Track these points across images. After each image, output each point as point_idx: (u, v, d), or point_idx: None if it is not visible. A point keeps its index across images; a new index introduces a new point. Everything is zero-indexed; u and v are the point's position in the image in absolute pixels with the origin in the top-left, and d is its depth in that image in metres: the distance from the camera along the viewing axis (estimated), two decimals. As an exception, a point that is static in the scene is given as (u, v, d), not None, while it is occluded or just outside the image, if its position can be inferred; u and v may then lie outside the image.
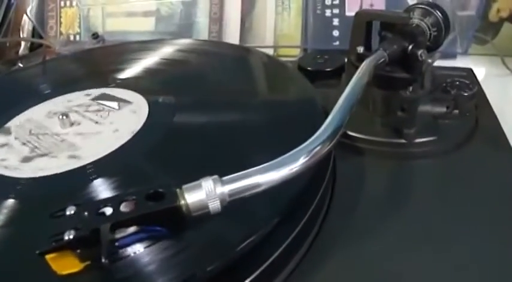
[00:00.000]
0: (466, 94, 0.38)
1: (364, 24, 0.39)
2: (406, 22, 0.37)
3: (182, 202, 0.22)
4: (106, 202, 0.23)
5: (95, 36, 0.62)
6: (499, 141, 0.36)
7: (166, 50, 0.48)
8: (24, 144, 0.36)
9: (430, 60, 0.34)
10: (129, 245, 0.23)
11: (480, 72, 0.47)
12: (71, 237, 0.21)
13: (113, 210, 0.22)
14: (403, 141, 0.35)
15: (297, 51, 0.65)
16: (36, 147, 0.36)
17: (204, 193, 0.22)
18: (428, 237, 0.28)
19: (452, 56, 0.58)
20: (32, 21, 0.75)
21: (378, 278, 0.26)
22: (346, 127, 0.28)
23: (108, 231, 0.21)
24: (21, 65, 0.71)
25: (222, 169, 0.23)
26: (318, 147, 0.25)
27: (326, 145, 0.25)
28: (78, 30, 0.77)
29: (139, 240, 0.23)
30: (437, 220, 0.29)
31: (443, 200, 0.31)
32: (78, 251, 0.22)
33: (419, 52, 0.36)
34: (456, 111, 0.37)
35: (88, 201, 0.23)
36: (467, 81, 0.40)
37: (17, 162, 0.34)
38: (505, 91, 0.52)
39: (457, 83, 0.40)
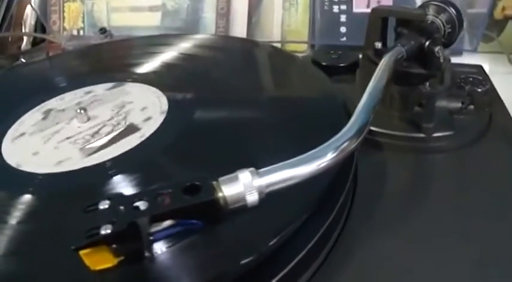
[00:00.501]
0: (480, 90, 0.39)
1: (379, 20, 0.40)
2: (422, 19, 0.38)
3: (220, 195, 0.22)
4: (141, 196, 0.22)
5: (103, 31, 0.61)
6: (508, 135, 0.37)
7: (183, 45, 0.48)
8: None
9: (447, 57, 0.34)
10: (164, 238, 0.23)
11: (486, 69, 0.48)
12: (108, 231, 0.21)
13: (149, 203, 0.22)
14: (421, 135, 0.36)
15: (304, 47, 0.65)
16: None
17: (242, 185, 0.22)
18: (447, 232, 0.29)
19: (459, 52, 0.59)
20: (38, 13, 0.74)
21: (398, 273, 0.26)
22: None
23: (147, 224, 0.21)
24: (23, 60, 0.71)
25: (244, 164, 0.23)
26: (346, 144, 0.25)
27: (353, 142, 0.26)
28: (82, 25, 0.77)
29: (175, 234, 0.23)
30: (456, 215, 0.30)
31: (461, 194, 0.32)
32: (114, 246, 0.22)
33: (436, 49, 0.36)
34: (471, 106, 0.38)
35: (121, 195, 0.23)
36: (480, 78, 0.41)
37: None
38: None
39: (471, 79, 0.40)
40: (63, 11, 0.78)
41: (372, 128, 0.36)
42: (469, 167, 0.34)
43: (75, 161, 0.33)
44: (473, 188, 0.32)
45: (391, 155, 0.35)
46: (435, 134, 0.36)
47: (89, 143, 0.35)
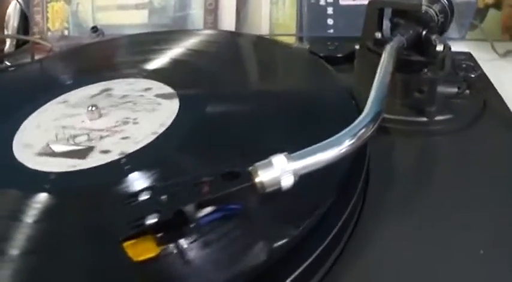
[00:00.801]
0: (473, 76, 0.41)
1: (376, 11, 0.41)
2: (418, 9, 0.40)
3: (257, 180, 0.23)
4: (181, 185, 0.23)
5: (94, 29, 0.62)
6: (507, 118, 0.39)
7: (188, 40, 0.48)
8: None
9: (448, 44, 0.36)
10: (208, 224, 0.24)
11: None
12: (154, 220, 0.22)
13: (191, 191, 0.23)
14: (424, 119, 0.38)
15: (292, 40, 0.67)
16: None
17: (277, 170, 0.24)
18: (453, 213, 0.30)
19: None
20: (27, 14, 0.73)
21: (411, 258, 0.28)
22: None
23: (194, 211, 0.22)
24: (8, 63, 0.70)
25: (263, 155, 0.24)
26: (363, 130, 0.27)
27: (370, 127, 0.27)
28: (67, 25, 0.76)
29: (217, 219, 0.24)
30: (462, 196, 0.32)
31: (464, 175, 0.34)
32: (158, 235, 0.22)
33: (433, 37, 0.38)
34: (467, 91, 0.40)
35: (160, 185, 0.24)
36: (471, 64, 0.43)
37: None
38: (496, 74, 0.55)
39: (464, 65, 0.42)
40: (47, 12, 0.78)
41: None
42: (468, 148, 0.36)
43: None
44: (474, 167, 0.34)
45: (398, 139, 0.36)
46: (437, 118, 0.37)
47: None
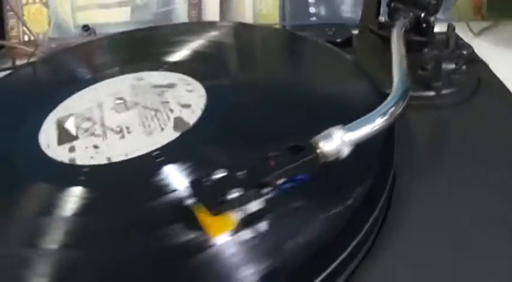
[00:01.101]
0: (465, 52, 0.45)
1: (375, -3, 0.44)
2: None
3: (319, 151, 0.26)
4: (253, 161, 0.26)
5: (86, 28, 0.62)
6: (500, 90, 0.43)
7: (204, 33, 0.50)
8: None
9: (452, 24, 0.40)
10: (281, 194, 0.26)
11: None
12: (237, 195, 0.24)
13: (263, 166, 0.25)
14: (431, 94, 0.41)
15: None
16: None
17: (336, 140, 0.26)
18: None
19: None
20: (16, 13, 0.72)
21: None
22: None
23: (273, 182, 0.25)
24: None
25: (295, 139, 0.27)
26: (393, 108, 0.30)
27: (400, 105, 0.30)
28: (47, 27, 0.75)
29: (288, 190, 0.26)
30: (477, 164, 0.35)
31: (474, 143, 0.37)
32: (236, 210, 0.24)
33: (432, 19, 0.42)
34: (463, 67, 0.43)
35: (233, 163, 0.26)
36: (461, 42, 0.47)
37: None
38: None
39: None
40: (23, 15, 0.77)
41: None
42: (473, 118, 0.40)
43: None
44: (481, 136, 0.38)
45: (410, 114, 0.39)
46: (443, 92, 0.41)
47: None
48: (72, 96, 0.42)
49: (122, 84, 0.43)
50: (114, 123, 0.37)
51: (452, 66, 0.43)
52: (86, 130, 0.37)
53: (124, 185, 0.32)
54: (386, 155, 0.32)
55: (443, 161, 0.35)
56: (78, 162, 0.34)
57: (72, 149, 0.35)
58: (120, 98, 0.39)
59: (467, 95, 0.42)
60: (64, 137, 0.37)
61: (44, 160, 0.35)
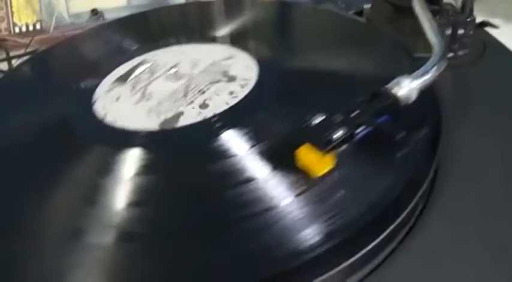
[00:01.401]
0: (470, 19, 0.50)
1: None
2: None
3: (395, 97, 0.31)
4: (348, 107, 0.30)
5: (95, 12, 0.63)
6: (504, 52, 0.49)
7: (249, 10, 0.53)
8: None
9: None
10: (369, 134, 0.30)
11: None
12: (340, 134, 0.28)
13: (357, 108, 0.29)
14: (451, 54, 0.46)
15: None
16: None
17: (405, 87, 0.31)
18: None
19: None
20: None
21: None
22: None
23: (370, 122, 0.29)
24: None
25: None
26: (442, 60, 0.34)
27: (446, 59, 0.35)
28: (38, 18, 0.75)
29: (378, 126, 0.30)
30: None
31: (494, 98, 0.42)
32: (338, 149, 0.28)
33: (442, -12, 0.47)
34: (471, 32, 0.49)
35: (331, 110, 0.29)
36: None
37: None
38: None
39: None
40: (11, 6, 0.76)
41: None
42: (488, 76, 0.45)
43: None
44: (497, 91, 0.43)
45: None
46: (459, 52, 0.46)
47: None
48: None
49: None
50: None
51: (462, 30, 0.49)
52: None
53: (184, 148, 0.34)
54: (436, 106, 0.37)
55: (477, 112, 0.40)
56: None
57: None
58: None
59: (477, 57, 0.47)
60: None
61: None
